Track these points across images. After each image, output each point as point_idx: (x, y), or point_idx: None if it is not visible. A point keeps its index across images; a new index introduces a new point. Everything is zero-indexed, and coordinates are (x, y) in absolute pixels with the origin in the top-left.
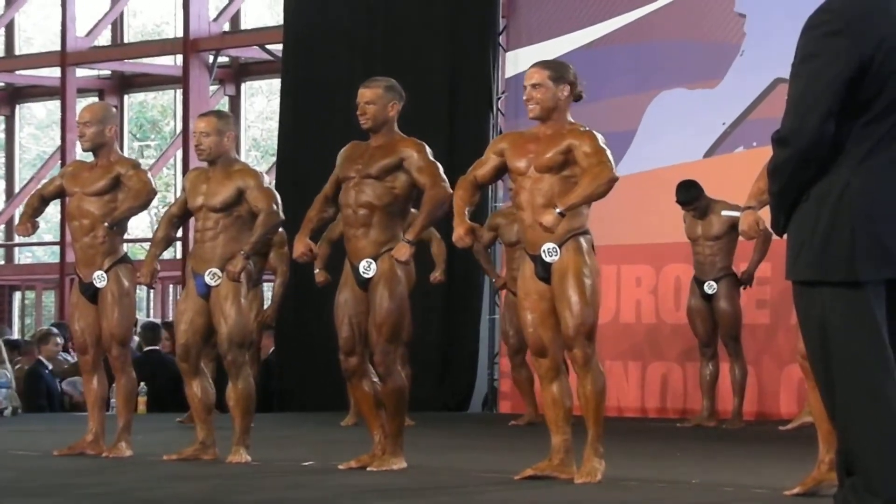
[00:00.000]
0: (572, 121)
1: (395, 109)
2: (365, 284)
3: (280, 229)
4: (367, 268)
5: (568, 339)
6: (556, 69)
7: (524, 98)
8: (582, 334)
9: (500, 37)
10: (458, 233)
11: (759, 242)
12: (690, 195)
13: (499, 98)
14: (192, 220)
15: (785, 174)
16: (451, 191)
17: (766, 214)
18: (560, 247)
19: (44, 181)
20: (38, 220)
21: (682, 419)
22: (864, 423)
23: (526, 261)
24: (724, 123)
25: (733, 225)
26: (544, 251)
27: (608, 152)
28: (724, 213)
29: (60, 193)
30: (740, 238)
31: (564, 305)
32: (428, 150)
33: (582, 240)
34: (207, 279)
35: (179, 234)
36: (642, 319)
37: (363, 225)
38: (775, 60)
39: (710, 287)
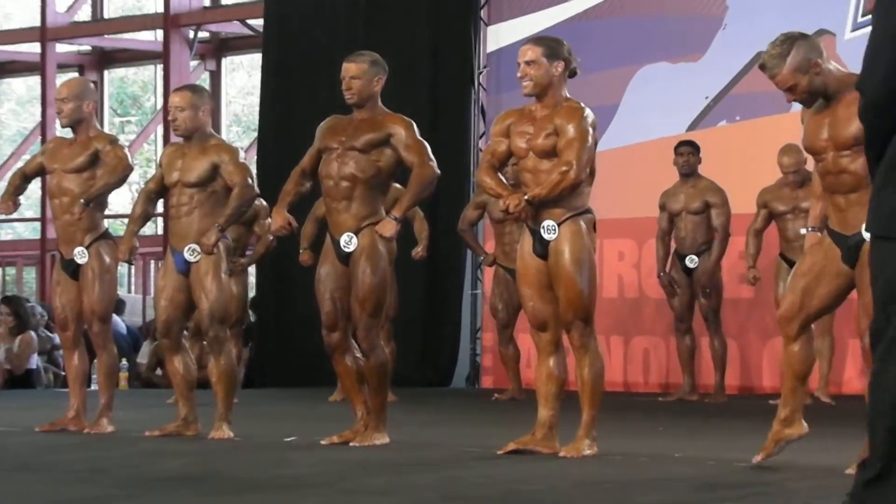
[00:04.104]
0: (568, 96)
1: (380, 84)
2: (345, 259)
3: (262, 200)
4: (348, 242)
5: (565, 322)
6: (550, 45)
7: (518, 75)
8: (578, 318)
9: (482, 11)
10: (515, 198)
11: (717, 243)
12: (692, 142)
13: (480, 73)
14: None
15: (865, 123)
16: (438, 171)
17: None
18: (559, 226)
19: (24, 157)
20: (19, 198)
21: (665, 393)
22: None
23: (526, 235)
24: (706, 97)
25: (705, 200)
26: (543, 228)
27: (591, 134)
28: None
29: (41, 171)
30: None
31: (560, 288)
32: (415, 127)
33: (581, 221)
34: (187, 255)
35: (160, 209)
36: (625, 294)
37: (345, 198)
38: (758, 34)
39: (690, 261)
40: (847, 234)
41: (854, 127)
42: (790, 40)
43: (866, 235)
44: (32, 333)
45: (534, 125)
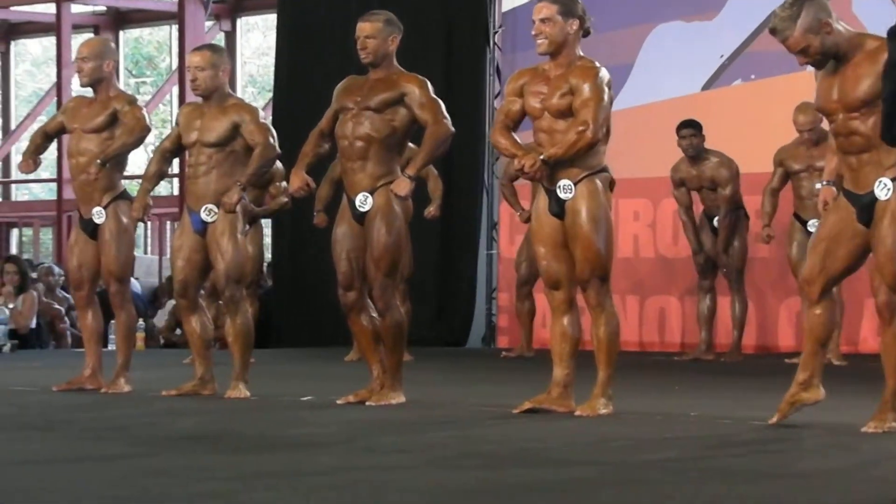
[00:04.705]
0: (582, 55)
1: (395, 43)
2: (361, 218)
3: (279, 163)
4: (364, 201)
5: (582, 280)
6: (565, 3)
7: (533, 32)
8: (595, 276)
9: None
10: (531, 158)
11: (724, 230)
12: (693, 123)
13: (495, 32)
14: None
15: (892, 72)
16: (452, 128)
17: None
18: (576, 185)
19: (41, 118)
20: (39, 157)
21: (680, 353)
22: None
23: (541, 194)
24: (721, 56)
25: (713, 178)
26: (559, 187)
27: (607, 93)
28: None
29: (62, 130)
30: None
31: (577, 247)
32: (430, 86)
33: (598, 180)
34: (204, 215)
35: (175, 169)
36: (640, 254)
37: (360, 158)
38: None
39: (718, 221)
40: (860, 193)
41: (862, 88)
42: (799, 2)
43: (879, 194)
44: (34, 293)
45: (548, 85)
